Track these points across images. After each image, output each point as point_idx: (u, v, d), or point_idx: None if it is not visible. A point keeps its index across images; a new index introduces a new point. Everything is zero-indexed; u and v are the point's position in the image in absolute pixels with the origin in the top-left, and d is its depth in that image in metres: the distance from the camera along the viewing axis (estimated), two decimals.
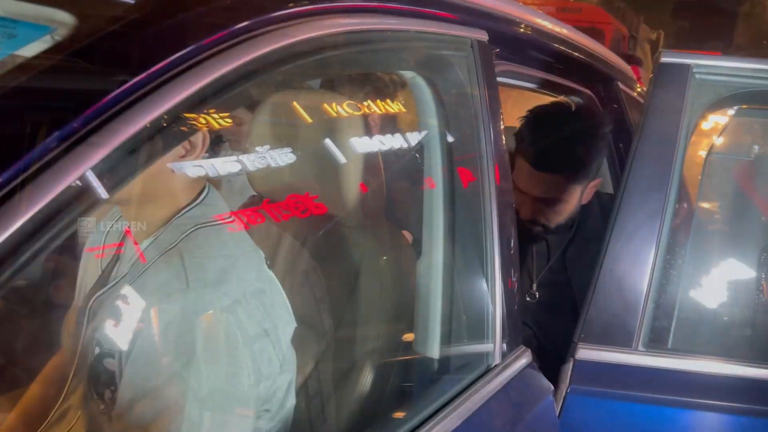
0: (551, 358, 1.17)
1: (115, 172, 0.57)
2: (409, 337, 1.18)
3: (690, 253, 1.18)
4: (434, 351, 1.13)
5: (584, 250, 1.48)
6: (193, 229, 0.93)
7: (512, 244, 1.19)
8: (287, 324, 1.00)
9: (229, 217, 1.00)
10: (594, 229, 1.48)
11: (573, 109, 1.54)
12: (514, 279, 1.16)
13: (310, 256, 1.32)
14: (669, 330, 1.13)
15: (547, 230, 1.52)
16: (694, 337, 1.21)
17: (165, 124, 0.61)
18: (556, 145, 1.43)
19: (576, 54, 1.71)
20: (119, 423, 0.84)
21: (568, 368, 1.12)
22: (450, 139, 1.18)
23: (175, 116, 0.62)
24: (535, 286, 1.57)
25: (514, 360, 1.13)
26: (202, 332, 0.85)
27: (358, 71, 1.33)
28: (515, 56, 1.42)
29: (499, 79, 1.39)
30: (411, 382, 1.14)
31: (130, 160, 0.58)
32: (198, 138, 0.90)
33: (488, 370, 1.08)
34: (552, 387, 1.14)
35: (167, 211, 0.95)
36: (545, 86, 1.63)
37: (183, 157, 0.90)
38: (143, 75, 0.60)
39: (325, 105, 1.29)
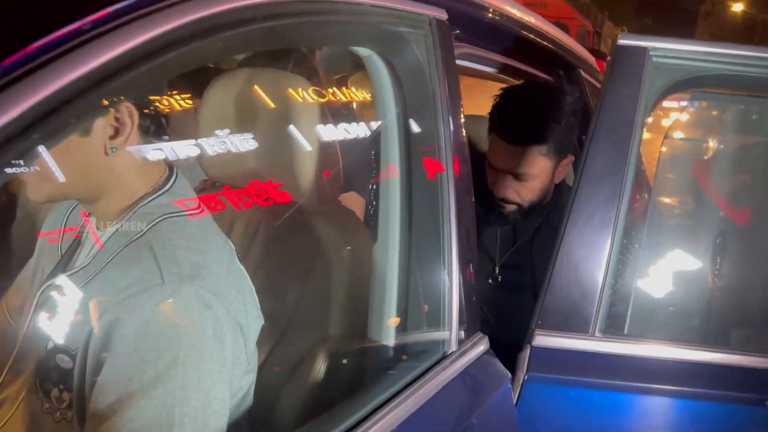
0: (510, 342, 1.15)
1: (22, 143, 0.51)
2: (394, 321, 1.14)
3: (646, 238, 1.18)
4: (389, 338, 1.10)
5: (552, 238, 1.48)
6: (160, 218, 0.88)
7: (470, 231, 1.17)
8: (256, 320, 0.96)
9: (198, 207, 0.95)
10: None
11: (545, 86, 1.56)
12: (471, 266, 1.14)
13: (264, 242, 1.28)
14: (625, 316, 1.12)
15: (521, 210, 1.51)
16: (651, 322, 1.21)
17: (82, 94, 0.55)
18: (527, 118, 1.45)
19: (538, 40, 1.69)
20: (102, 427, 0.78)
21: (526, 355, 1.10)
22: (407, 121, 1.15)
23: (94, 85, 0.56)
24: (497, 269, 1.56)
25: (471, 347, 1.10)
26: (185, 328, 0.81)
27: (309, 44, 1.29)
28: (476, 39, 1.39)
29: (458, 62, 1.37)
30: (365, 369, 1.11)
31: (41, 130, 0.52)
32: (124, 115, 0.84)
33: (444, 357, 1.05)
34: (509, 374, 1.12)
35: (126, 197, 0.90)
36: (506, 71, 1.61)
37: (113, 137, 0.84)
38: (55, 36, 0.55)
39: (279, 87, 1.25)
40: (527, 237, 1.57)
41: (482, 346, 1.13)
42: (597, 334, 1.08)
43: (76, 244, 0.97)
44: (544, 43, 1.73)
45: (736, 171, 1.59)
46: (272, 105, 1.24)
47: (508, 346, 1.14)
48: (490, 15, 1.42)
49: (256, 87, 1.28)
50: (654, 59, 1.07)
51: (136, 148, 0.88)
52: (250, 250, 1.28)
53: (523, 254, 1.55)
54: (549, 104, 1.47)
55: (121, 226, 0.88)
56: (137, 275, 0.82)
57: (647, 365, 1.10)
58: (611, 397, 1.11)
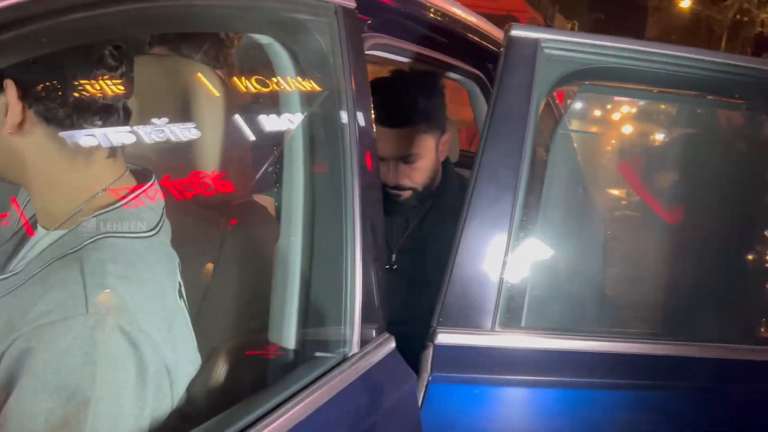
0: (408, 328, 1.12)
1: None
2: None
3: (541, 230, 1.17)
4: (290, 339, 1.06)
5: (441, 222, 1.56)
6: (100, 237, 0.80)
7: (378, 227, 1.13)
8: (189, 362, 0.90)
9: (152, 230, 0.88)
10: (451, 203, 1.54)
11: (412, 70, 1.64)
12: (376, 265, 1.10)
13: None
14: (522, 308, 1.11)
15: (417, 194, 1.57)
16: (546, 314, 1.20)
17: None
18: (401, 101, 1.52)
19: (463, 32, 1.66)
20: None
21: (429, 355, 1.07)
22: (311, 113, 1.10)
23: None
24: (394, 256, 1.59)
25: (374, 348, 1.07)
26: (103, 367, 0.74)
27: (201, 28, 1.22)
28: (391, 29, 1.35)
29: (374, 53, 1.33)
30: (264, 371, 1.07)
31: None
32: (7, 92, 0.76)
33: (344, 359, 1.02)
34: (415, 376, 1.10)
35: (60, 198, 0.82)
36: (427, 63, 1.58)
37: (5, 116, 0.76)
38: None
39: (182, 75, 1.20)
40: (418, 221, 1.62)
41: (387, 346, 1.10)
42: (497, 328, 1.06)
43: (22, 238, 0.89)
44: (469, 34, 1.70)
45: (631, 160, 1.63)
46: (174, 94, 1.18)
47: (406, 335, 1.12)
48: (407, 3, 1.38)
49: (157, 75, 1.22)
50: (546, 51, 1.06)
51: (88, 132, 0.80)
52: None
53: (416, 238, 1.60)
54: (419, 84, 1.56)
55: (64, 235, 0.81)
56: (60, 299, 0.74)
57: (545, 357, 1.10)
58: (515, 392, 1.10)
